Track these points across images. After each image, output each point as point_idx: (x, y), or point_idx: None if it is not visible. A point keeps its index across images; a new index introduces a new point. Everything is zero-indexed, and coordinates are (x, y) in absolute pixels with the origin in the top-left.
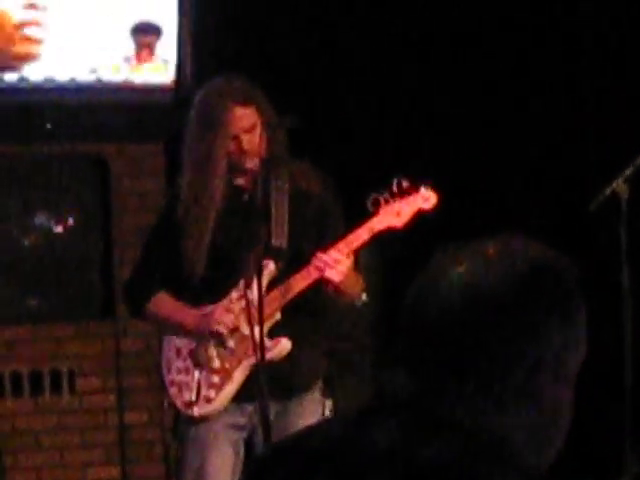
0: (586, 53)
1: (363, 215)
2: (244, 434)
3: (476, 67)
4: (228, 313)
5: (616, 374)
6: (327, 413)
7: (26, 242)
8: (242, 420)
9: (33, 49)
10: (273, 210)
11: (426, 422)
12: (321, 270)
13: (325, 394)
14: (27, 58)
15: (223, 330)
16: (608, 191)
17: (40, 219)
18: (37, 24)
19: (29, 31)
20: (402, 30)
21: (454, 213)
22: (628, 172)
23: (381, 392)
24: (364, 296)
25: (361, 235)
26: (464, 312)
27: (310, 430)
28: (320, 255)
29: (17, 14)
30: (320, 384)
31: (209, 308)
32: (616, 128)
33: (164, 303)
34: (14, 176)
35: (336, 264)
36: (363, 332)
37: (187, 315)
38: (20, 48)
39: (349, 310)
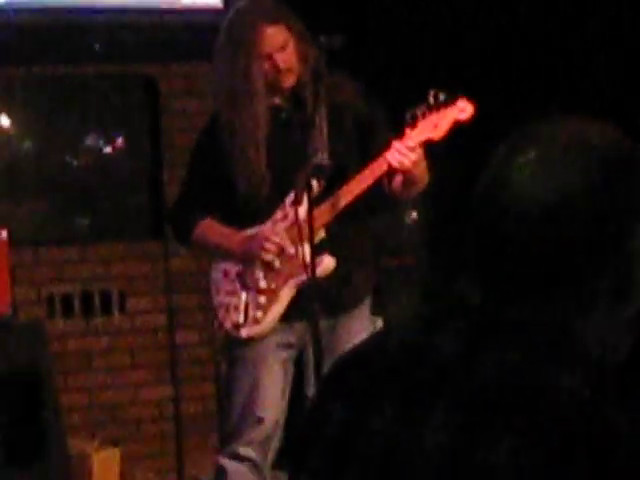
0: None
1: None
2: (294, 353)
3: None
4: (272, 238)
5: None
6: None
7: (75, 162)
8: (291, 339)
9: None
10: (312, 128)
11: (496, 328)
12: (390, 164)
13: (375, 311)
14: None
15: (269, 257)
16: None
17: (89, 139)
18: None
19: None
20: None
21: (491, 125)
22: None
23: (446, 300)
24: (414, 214)
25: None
26: (542, 216)
27: (382, 336)
28: (393, 145)
29: None
30: (369, 301)
31: (254, 230)
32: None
33: (210, 229)
34: (63, 97)
35: (408, 152)
36: (413, 249)
37: (233, 241)
38: None
39: (399, 226)
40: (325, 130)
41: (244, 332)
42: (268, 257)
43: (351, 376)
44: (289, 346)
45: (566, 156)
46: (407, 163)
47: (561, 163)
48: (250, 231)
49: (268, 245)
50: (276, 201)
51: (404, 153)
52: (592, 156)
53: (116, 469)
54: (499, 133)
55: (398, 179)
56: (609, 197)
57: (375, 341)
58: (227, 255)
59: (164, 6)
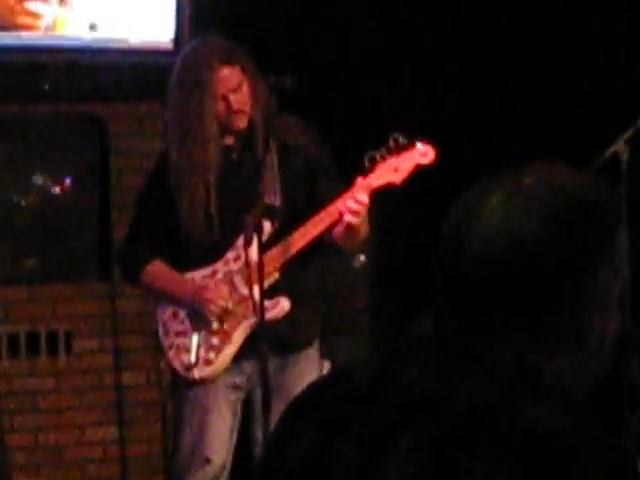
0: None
1: (360, 173)
2: (242, 394)
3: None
4: (217, 301)
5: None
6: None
7: (23, 202)
8: (240, 380)
9: (34, 22)
10: (263, 169)
11: (462, 360)
12: (342, 214)
13: (323, 354)
14: (28, 29)
15: (216, 310)
16: (608, 152)
17: (38, 179)
18: None
19: (31, 6)
20: None
21: (451, 169)
22: (628, 134)
23: (409, 336)
24: (362, 257)
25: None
26: (505, 254)
27: (344, 371)
28: (343, 199)
29: None
30: (317, 343)
31: (206, 271)
32: (615, 90)
33: (159, 273)
34: (11, 136)
35: (357, 207)
36: (361, 293)
37: (180, 290)
38: (22, 20)
39: (347, 270)
40: (276, 171)
41: (196, 373)
42: (214, 310)
43: (311, 411)
44: (238, 387)
45: (528, 200)
46: (356, 220)
47: (523, 206)
48: (201, 273)
49: (212, 307)
50: (227, 241)
51: (355, 209)
52: (554, 200)
53: None
54: (456, 177)
55: (339, 228)
56: (568, 241)
57: (334, 378)
58: (175, 301)
59: (114, 46)
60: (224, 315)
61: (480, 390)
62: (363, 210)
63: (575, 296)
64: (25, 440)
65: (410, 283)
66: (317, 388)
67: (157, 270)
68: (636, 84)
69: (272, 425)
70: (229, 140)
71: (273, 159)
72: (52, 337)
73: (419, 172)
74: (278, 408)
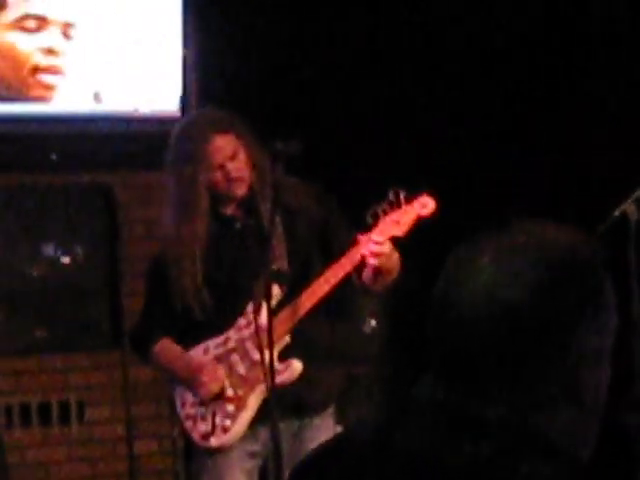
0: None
1: (364, 230)
2: (259, 461)
3: (468, 71)
4: (216, 377)
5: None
6: None
7: (33, 273)
8: (256, 447)
9: (47, 94)
10: (271, 235)
11: (462, 423)
12: (364, 258)
13: (337, 420)
14: (41, 100)
15: (208, 396)
16: (617, 213)
17: (47, 250)
18: (53, 70)
19: (45, 77)
20: (398, 42)
21: (453, 224)
22: (638, 193)
23: (409, 399)
24: (373, 322)
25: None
26: (495, 318)
27: (345, 435)
28: (362, 239)
29: (35, 58)
30: (334, 409)
31: (219, 344)
32: (626, 148)
33: (163, 352)
34: (20, 207)
35: (379, 246)
36: (373, 357)
37: (179, 369)
38: (34, 92)
39: (358, 335)
40: (281, 236)
41: (214, 442)
42: (205, 398)
43: (318, 474)
44: (254, 455)
45: (515, 263)
46: (381, 261)
47: (510, 269)
48: (215, 342)
49: (203, 392)
50: (238, 308)
51: (377, 251)
52: (541, 263)
53: None
54: (459, 233)
55: (368, 271)
56: (555, 304)
57: (337, 441)
58: (174, 377)
59: (121, 115)
60: (240, 379)
61: (482, 453)
62: (384, 249)
63: (565, 355)
64: None
65: (422, 348)
66: (320, 453)
67: (162, 349)
68: None
69: None
70: (231, 209)
71: (277, 224)
72: (64, 407)
73: (427, 230)
74: None
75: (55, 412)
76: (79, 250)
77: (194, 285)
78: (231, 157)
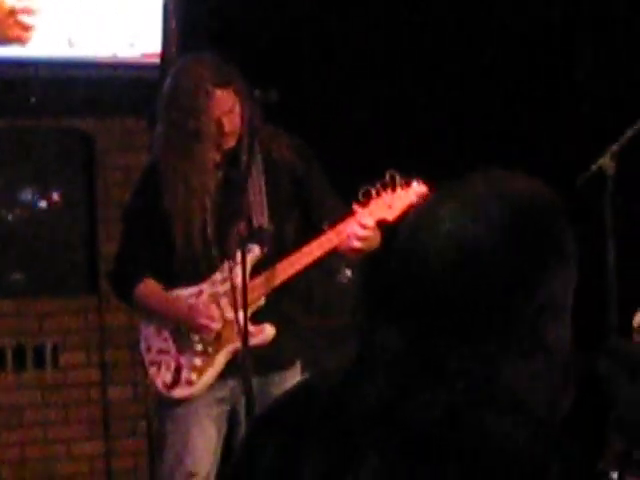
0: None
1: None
2: (226, 408)
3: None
4: (213, 316)
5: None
6: None
7: (10, 217)
8: (223, 394)
9: (24, 34)
10: (250, 191)
11: (424, 372)
12: (349, 242)
13: (306, 371)
14: (18, 41)
15: (211, 330)
16: (594, 167)
17: (25, 194)
18: (29, 12)
19: (22, 18)
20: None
21: None
22: (614, 148)
23: (370, 348)
24: (348, 272)
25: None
26: (457, 265)
27: (310, 383)
28: (346, 226)
29: (10, 1)
30: (300, 364)
31: (192, 290)
32: (603, 102)
33: (149, 293)
34: None
35: (363, 232)
36: (348, 308)
37: (174, 308)
38: (12, 32)
39: (334, 286)
40: (263, 190)
41: (176, 393)
42: (210, 328)
43: (278, 422)
44: (221, 402)
45: (478, 209)
46: (366, 245)
47: (473, 216)
48: (188, 291)
49: (206, 332)
50: (215, 262)
51: (363, 236)
52: (503, 210)
53: None
54: None
55: (347, 248)
56: (518, 250)
57: (302, 388)
58: (166, 320)
59: (101, 61)
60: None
61: (440, 402)
62: (370, 234)
63: (528, 304)
64: (12, 454)
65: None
66: (284, 401)
67: (148, 290)
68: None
69: None
70: (216, 158)
71: (260, 179)
72: (39, 351)
73: None
74: None
75: (30, 356)
76: (57, 195)
77: (193, 237)
78: (228, 111)
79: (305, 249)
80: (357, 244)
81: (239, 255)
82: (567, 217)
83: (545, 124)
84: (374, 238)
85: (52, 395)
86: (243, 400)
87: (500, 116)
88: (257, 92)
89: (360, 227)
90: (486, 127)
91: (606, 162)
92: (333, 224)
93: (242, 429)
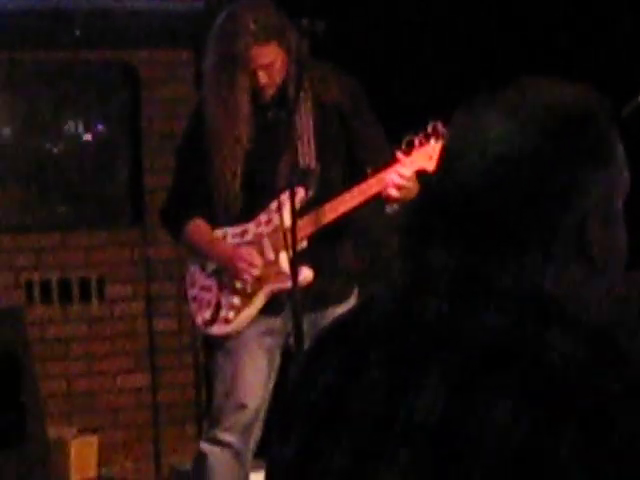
0: None
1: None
2: (279, 339)
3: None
4: (253, 261)
5: None
6: None
7: (56, 150)
8: (275, 325)
9: None
10: (298, 131)
11: (476, 289)
12: (387, 191)
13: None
14: None
15: (250, 276)
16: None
17: (70, 126)
18: None
19: None
20: None
21: None
22: None
23: (420, 269)
24: (395, 205)
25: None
26: (500, 174)
27: (363, 307)
28: (385, 176)
29: None
30: (355, 292)
31: (237, 234)
32: None
33: (197, 231)
34: (43, 83)
35: (401, 181)
36: (394, 239)
37: (217, 249)
38: None
39: (381, 218)
40: (311, 132)
41: (213, 330)
42: (247, 277)
43: (335, 346)
44: (272, 333)
45: (523, 115)
46: (403, 194)
47: (518, 122)
48: (233, 230)
49: (245, 276)
50: (261, 202)
51: (401, 185)
52: (546, 116)
53: (94, 456)
54: None
55: (386, 196)
56: (560, 155)
57: (356, 312)
58: (209, 259)
59: None
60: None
61: (498, 322)
62: (408, 184)
63: (572, 209)
64: (58, 387)
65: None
66: (338, 325)
67: (196, 228)
68: None
69: None
70: (263, 99)
71: (308, 118)
72: (84, 284)
73: None
74: None
75: (75, 289)
76: (101, 127)
77: (232, 181)
78: (266, 65)
79: (347, 195)
80: (394, 193)
81: (285, 196)
82: (614, 123)
83: (589, 52)
84: (412, 189)
85: (98, 328)
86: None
87: (544, 48)
88: (304, 22)
89: (399, 177)
90: (531, 63)
91: None
92: (376, 169)
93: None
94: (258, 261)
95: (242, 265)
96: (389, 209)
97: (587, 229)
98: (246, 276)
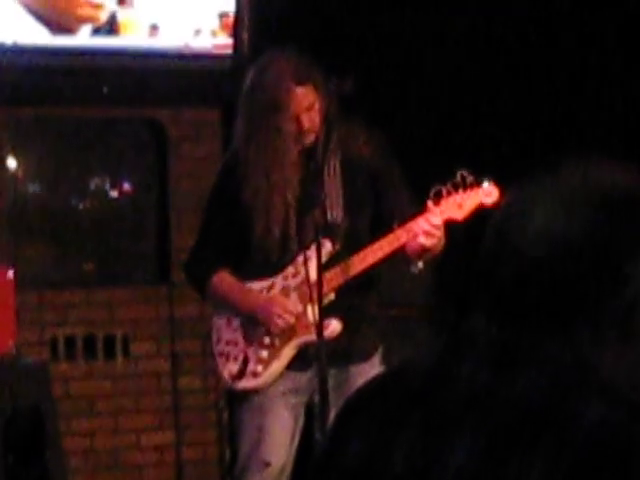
0: None
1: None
2: (303, 397)
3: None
4: (285, 316)
5: None
6: None
7: (82, 206)
8: (300, 384)
9: (95, 13)
10: (327, 185)
11: (518, 358)
12: (416, 238)
13: (384, 361)
14: (89, 21)
15: (286, 322)
16: None
17: (97, 183)
18: None
19: None
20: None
21: None
22: None
23: (459, 335)
24: (420, 264)
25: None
26: (551, 253)
27: (399, 370)
28: (416, 223)
29: None
30: (379, 356)
31: (264, 284)
32: None
33: (225, 283)
34: (71, 139)
35: (434, 230)
36: (420, 299)
37: (247, 300)
38: (82, 11)
39: (404, 277)
40: (339, 186)
41: (240, 384)
42: (281, 324)
43: (369, 408)
44: (298, 391)
45: (571, 200)
46: (431, 243)
47: (568, 207)
48: (260, 284)
49: (280, 322)
50: (288, 256)
51: (431, 233)
52: (596, 199)
53: None
54: None
55: (415, 247)
56: (610, 240)
57: (391, 374)
58: (237, 311)
59: (174, 51)
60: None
61: (537, 387)
62: (437, 233)
63: (622, 294)
64: (81, 444)
65: (467, 291)
66: (372, 387)
67: (223, 280)
68: None
69: None
70: (295, 153)
71: (336, 172)
72: (109, 340)
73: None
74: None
75: (100, 345)
76: (128, 185)
77: (278, 233)
78: (307, 108)
79: (375, 246)
80: (423, 240)
81: (311, 250)
82: None
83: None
84: (440, 238)
85: (122, 385)
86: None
87: (571, 113)
88: (333, 81)
89: (428, 224)
90: (556, 125)
91: None
92: (403, 222)
93: (317, 421)
94: (293, 308)
95: (277, 310)
96: (414, 268)
97: (635, 313)
98: (280, 322)
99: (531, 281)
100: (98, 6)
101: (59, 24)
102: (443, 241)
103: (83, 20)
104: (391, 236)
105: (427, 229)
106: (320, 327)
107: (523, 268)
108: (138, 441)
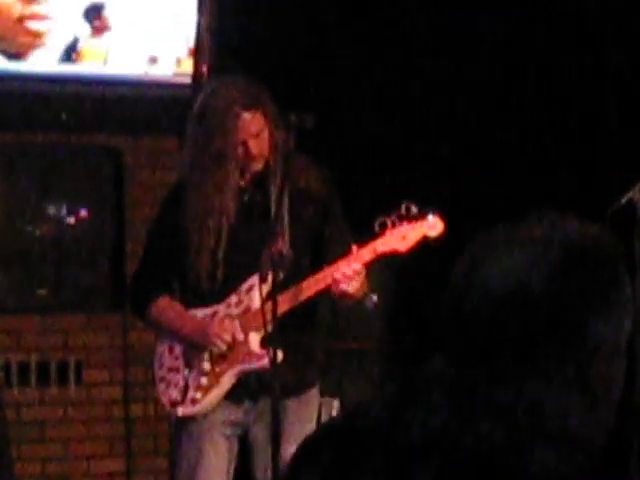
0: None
1: (369, 236)
2: (238, 430)
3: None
4: (226, 328)
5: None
6: (334, 413)
7: (38, 232)
8: (237, 416)
9: (36, 40)
10: (273, 216)
11: (474, 404)
12: (338, 283)
13: (332, 393)
14: (32, 47)
15: (222, 346)
16: (624, 200)
17: (53, 210)
18: (38, 17)
19: (31, 24)
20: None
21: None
22: None
23: (419, 378)
24: (374, 297)
25: (363, 255)
26: (512, 303)
27: (355, 411)
28: (338, 267)
29: (17, 8)
30: (317, 388)
31: (207, 311)
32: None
33: (165, 309)
34: (27, 166)
35: (353, 276)
36: (374, 332)
37: (187, 324)
38: (23, 39)
39: (358, 311)
40: (286, 217)
41: (180, 411)
42: (220, 345)
43: (324, 453)
44: (234, 424)
45: (534, 251)
46: (353, 288)
47: (528, 257)
48: (203, 312)
49: (218, 341)
50: (232, 284)
51: (351, 277)
52: (559, 252)
53: None
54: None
55: (334, 290)
56: (572, 293)
57: (345, 419)
58: (178, 337)
59: (132, 79)
60: (220, 355)
61: (491, 435)
62: (357, 278)
63: (579, 344)
64: (33, 470)
65: (421, 325)
66: (329, 429)
67: (164, 306)
68: None
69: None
70: (242, 181)
71: (284, 204)
72: (63, 367)
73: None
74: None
75: (54, 372)
76: (84, 212)
77: (212, 259)
78: (255, 135)
79: (304, 284)
80: (343, 286)
81: (255, 279)
82: (624, 263)
83: (574, 156)
84: (363, 283)
85: (74, 412)
86: (256, 428)
87: (522, 147)
88: (293, 116)
89: (349, 270)
90: (507, 159)
91: (636, 195)
92: (333, 261)
93: (258, 454)
94: (230, 327)
95: (214, 330)
96: (368, 302)
97: (592, 364)
98: (218, 341)
99: (491, 327)
100: (38, 33)
101: (4, 51)
102: (365, 286)
103: (26, 48)
104: (317, 276)
105: (348, 274)
106: (274, 357)
107: (485, 314)
108: (89, 468)
